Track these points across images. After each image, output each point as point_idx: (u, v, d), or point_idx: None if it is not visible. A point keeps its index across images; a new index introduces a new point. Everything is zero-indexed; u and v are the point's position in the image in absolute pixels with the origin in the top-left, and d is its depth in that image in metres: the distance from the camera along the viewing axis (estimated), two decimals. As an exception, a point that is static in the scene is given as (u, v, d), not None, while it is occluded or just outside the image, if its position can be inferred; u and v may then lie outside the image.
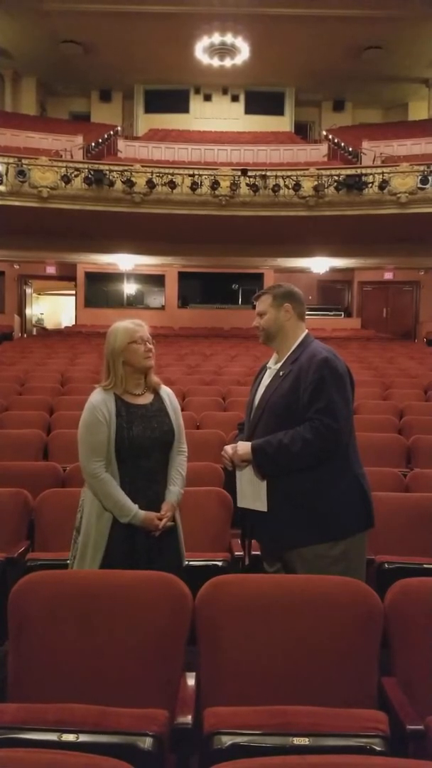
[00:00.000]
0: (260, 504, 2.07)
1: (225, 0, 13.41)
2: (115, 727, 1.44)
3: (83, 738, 1.40)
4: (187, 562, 2.28)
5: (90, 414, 2.13)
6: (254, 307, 2.25)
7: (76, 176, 11.17)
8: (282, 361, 2.18)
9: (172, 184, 11.25)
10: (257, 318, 2.22)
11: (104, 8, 13.54)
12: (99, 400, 2.14)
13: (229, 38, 14.78)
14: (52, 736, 1.40)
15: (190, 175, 11.41)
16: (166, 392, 2.30)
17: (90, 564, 2.09)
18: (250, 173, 11.44)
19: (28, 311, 17.71)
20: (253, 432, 2.16)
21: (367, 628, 1.72)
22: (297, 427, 2.01)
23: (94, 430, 2.11)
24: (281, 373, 2.14)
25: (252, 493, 2.10)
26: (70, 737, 1.39)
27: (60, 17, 13.88)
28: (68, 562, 2.22)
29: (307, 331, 2.22)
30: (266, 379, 2.22)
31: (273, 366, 2.23)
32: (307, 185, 11.30)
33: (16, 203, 11.15)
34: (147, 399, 2.23)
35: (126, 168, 11.50)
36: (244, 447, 2.10)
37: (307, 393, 2.02)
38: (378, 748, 1.41)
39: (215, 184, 11.31)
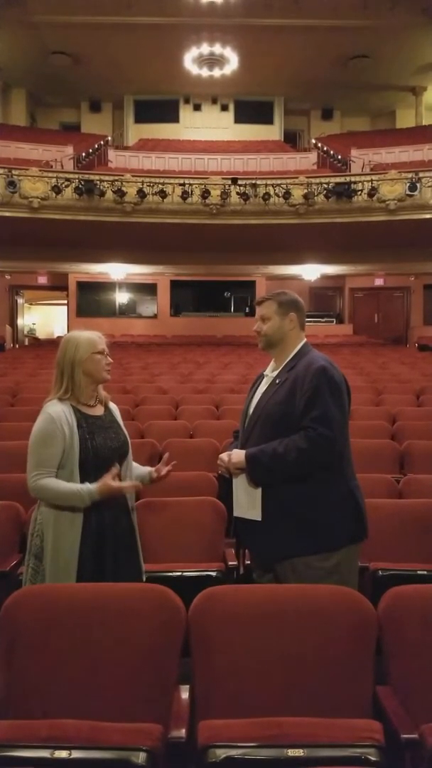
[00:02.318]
0: (255, 513, 2.06)
1: (213, 11, 13.52)
2: (109, 742, 1.42)
3: (76, 754, 1.38)
4: (180, 573, 2.26)
5: (49, 425, 2.00)
6: (248, 313, 2.23)
7: (66, 186, 11.20)
8: (279, 369, 2.17)
9: (162, 194, 11.29)
10: (259, 322, 2.18)
11: (93, 20, 13.62)
12: (58, 411, 2.03)
13: (217, 48, 14.89)
14: (44, 753, 1.38)
15: (180, 185, 11.45)
16: (114, 406, 2.25)
17: None
18: (240, 182, 11.50)
19: (19, 321, 17.67)
20: (247, 439, 2.14)
21: (360, 637, 1.71)
22: (292, 436, 1.99)
23: (50, 442, 1.99)
24: (278, 380, 2.13)
25: (247, 502, 2.08)
26: (62, 754, 1.37)
27: (49, 29, 13.96)
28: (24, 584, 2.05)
29: (305, 339, 2.21)
30: (263, 387, 2.21)
31: (270, 373, 2.21)
32: (297, 193, 11.38)
33: (7, 214, 11.17)
34: (100, 411, 2.16)
35: (116, 178, 11.54)
36: (237, 455, 2.07)
37: (302, 401, 2.01)
38: (373, 758, 1.40)
39: (206, 193, 11.36)
